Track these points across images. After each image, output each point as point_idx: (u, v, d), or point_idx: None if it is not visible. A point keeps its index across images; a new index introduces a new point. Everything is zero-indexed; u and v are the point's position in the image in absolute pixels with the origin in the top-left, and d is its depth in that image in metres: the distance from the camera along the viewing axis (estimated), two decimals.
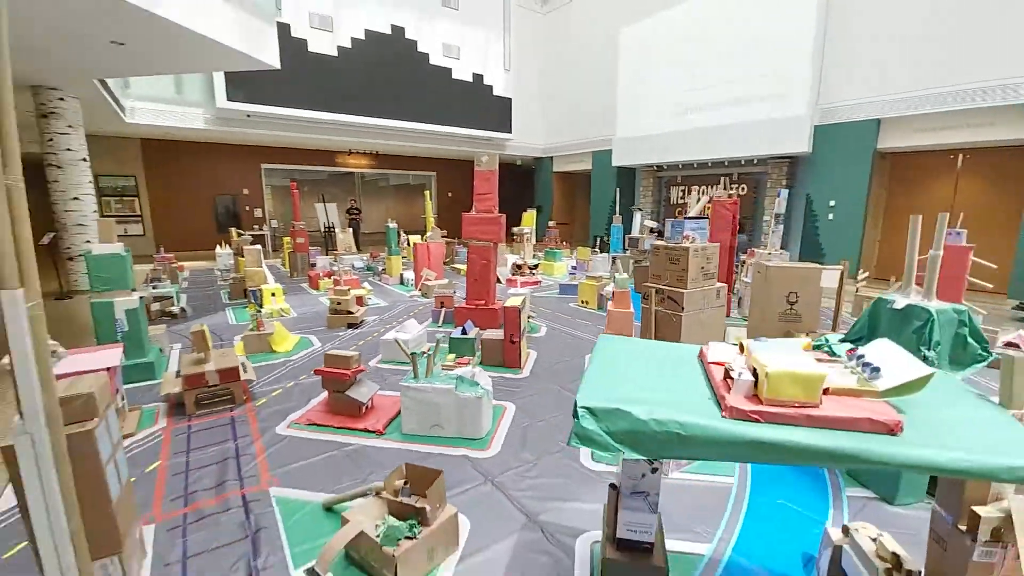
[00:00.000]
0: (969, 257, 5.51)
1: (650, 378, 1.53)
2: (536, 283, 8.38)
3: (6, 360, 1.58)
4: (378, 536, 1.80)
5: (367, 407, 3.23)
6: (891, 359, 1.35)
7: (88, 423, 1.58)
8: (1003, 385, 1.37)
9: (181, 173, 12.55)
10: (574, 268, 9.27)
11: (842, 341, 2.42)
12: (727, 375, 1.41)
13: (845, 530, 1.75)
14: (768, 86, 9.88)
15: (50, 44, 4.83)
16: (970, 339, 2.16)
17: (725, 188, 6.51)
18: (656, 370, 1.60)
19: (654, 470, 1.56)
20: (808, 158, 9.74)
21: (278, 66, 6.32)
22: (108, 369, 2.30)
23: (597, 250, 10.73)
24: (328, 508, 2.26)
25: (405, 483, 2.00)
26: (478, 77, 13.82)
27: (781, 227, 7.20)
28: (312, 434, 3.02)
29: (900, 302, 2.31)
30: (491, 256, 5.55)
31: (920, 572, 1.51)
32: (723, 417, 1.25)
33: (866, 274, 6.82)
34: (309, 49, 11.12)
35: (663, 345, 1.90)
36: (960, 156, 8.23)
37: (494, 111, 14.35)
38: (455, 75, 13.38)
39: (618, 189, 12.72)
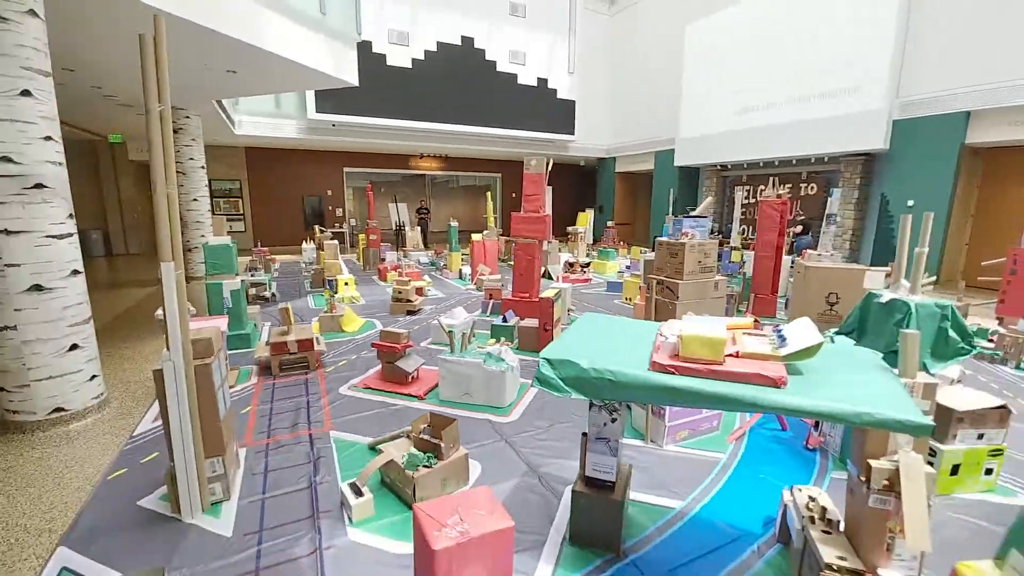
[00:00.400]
0: None
1: (607, 343, 1.89)
2: (587, 280, 8.67)
3: (159, 312, 2.28)
4: (403, 462, 2.31)
5: (413, 376, 3.80)
6: (801, 333, 1.62)
7: (207, 359, 2.23)
8: (900, 357, 1.57)
9: (276, 177, 14.24)
10: (627, 267, 9.42)
11: (837, 334, 2.61)
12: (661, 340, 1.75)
13: (792, 491, 2.00)
14: (839, 80, 9.39)
15: (183, 76, 5.96)
16: (952, 333, 2.25)
17: (773, 188, 6.39)
18: (617, 339, 1.96)
19: (614, 420, 1.92)
20: (885, 155, 9.13)
21: (356, 83, 7.16)
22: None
23: (650, 250, 10.75)
24: (372, 448, 2.83)
25: (427, 426, 2.50)
26: (542, 81, 14.27)
27: (832, 228, 6.91)
28: (366, 395, 3.64)
29: (886, 296, 2.43)
30: (536, 252, 5.97)
31: (839, 521, 1.75)
32: (648, 370, 1.60)
33: (932, 278, 6.40)
34: (387, 63, 12.19)
35: (634, 322, 2.24)
36: None
37: (558, 114, 14.73)
38: (520, 80, 13.93)
39: (671, 190, 12.55)
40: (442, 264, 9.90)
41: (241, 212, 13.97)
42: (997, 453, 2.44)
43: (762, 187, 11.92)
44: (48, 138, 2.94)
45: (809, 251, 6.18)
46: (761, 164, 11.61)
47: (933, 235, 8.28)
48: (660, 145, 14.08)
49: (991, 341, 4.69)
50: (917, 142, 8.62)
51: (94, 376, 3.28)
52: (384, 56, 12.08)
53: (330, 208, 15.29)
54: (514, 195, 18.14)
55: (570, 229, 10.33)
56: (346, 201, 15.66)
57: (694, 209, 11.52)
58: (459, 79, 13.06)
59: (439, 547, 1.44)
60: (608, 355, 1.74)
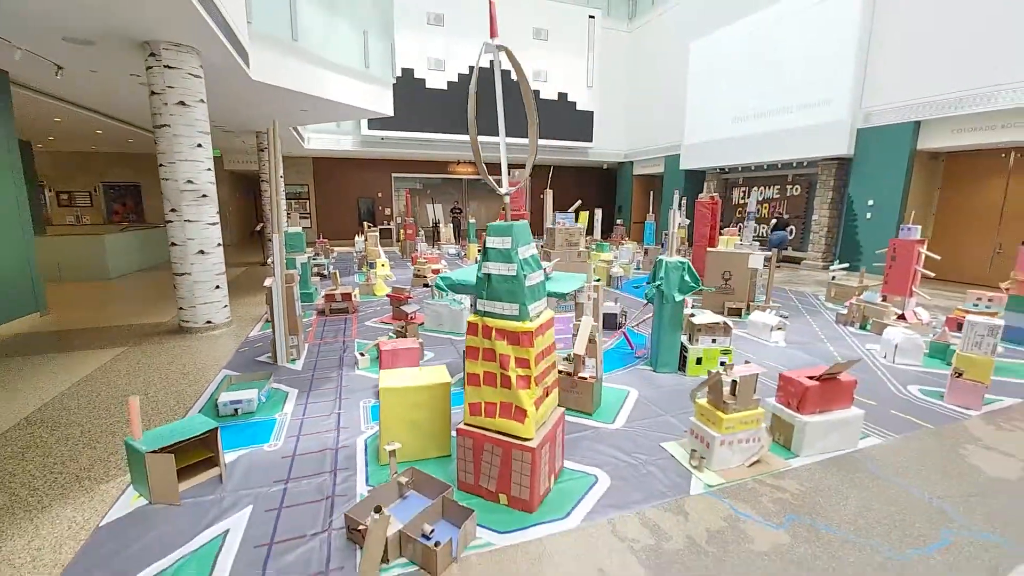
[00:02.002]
0: (918, 249, 6.32)
1: (471, 273, 3.82)
2: None
3: (268, 280, 4.43)
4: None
5: (411, 316, 5.86)
6: (570, 281, 3.45)
7: (291, 284, 4.37)
8: (654, 272, 3.37)
9: (336, 182, 16.98)
10: (615, 257, 11.06)
11: (647, 283, 4.37)
12: None
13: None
14: (814, 93, 10.53)
15: (272, 114, 8.41)
16: (687, 277, 3.96)
17: (707, 192, 7.86)
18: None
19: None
20: (852, 160, 10.19)
21: (392, 114, 9.38)
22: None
23: (634, 243, 12.25)
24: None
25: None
26: (563, 95, 16.05)
27: (751, 223, 8.23)
28: (381, 324, 5.75)
29: (661, 257, 4.14)
30: None
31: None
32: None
33: (844, 265, 7.65)
34: (427, 86, 14.48)
35: None
36: (1012, 155, 8.45)
37: (577, 123, 16.45)
38: (543, 96, 15.80)
39: (676, 191, 13.90)
40: (463, 254, 11.98)
41: (308, 211, 16.83)
42: (728, 351, 4.11)
43: (756, 188, 13.12)
44: (208, 169, 5.26)
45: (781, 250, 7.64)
46: (752, 168, 12.79)
47: (888, 232, 9.23)
48: (669, 151, 15.45)
49: (846, 308, 6.07)
50: (877, 148, 9.67)
51: (226, 306, 5.60)
52: (424, 80, 14.38)
53: (380, 208, 17.87)
54: (541, 196, 19.97)
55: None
56: (394, 202, 18.19)
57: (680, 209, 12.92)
58: (488, 96, 15.10)
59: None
60: (466, 275, 3.66)
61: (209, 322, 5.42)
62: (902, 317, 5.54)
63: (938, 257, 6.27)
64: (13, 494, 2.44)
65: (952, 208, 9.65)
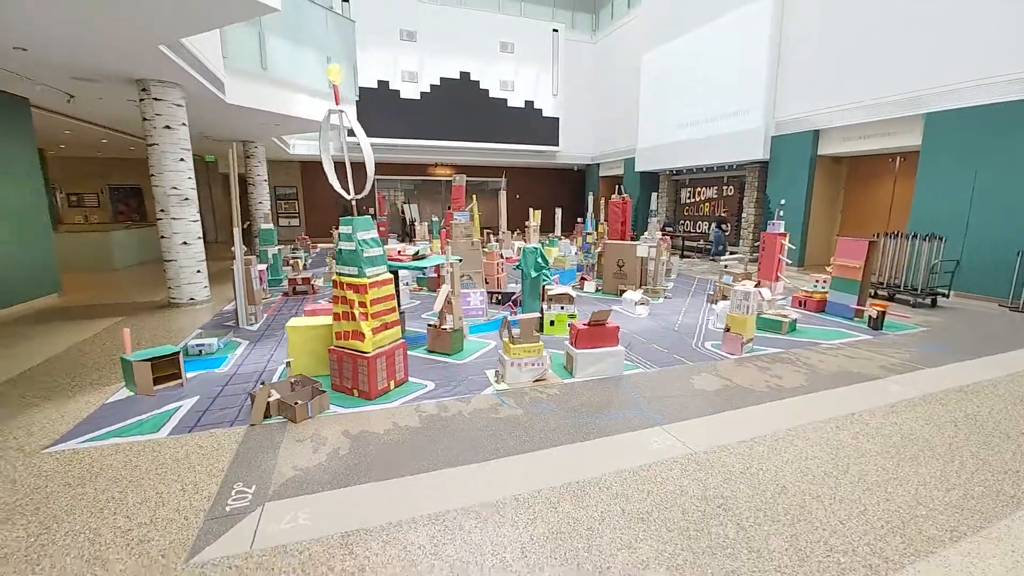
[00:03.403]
0: (780, 241, 7.60)
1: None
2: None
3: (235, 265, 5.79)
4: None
5: None
6: (436, 259, 4.78)
7: (249, 265, 5.74)
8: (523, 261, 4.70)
9: (321, 183, 18.34)
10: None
11: (515, 268, 5.71)
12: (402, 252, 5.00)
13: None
14: (736, 103, 11.81)
15: (251, 128, 9.78)
16: (539, 259, 5.29)
17: (619, 192, 9.16)
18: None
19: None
20: (769, 164, 11.47)
21: (357, 126, 10.71)
22: (261, 272, 6.61)
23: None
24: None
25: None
26: (529, 103, 17.38)
27: (654, 219, 9.52)
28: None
29: (523, 245, 5.47)
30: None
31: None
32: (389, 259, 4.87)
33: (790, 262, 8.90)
34: (401, 96, 15.85)
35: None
36: (897, 160, 9.75)
37: (544, 129, 17.77)
38: (510, 103, 17.14)
39: (623, 192, 15.19)
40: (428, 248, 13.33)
41: (297, 211, 18.25)
42: (573, 316, 5.43)
43: (699, 188, 14.40)
44: (189, 177, 6.64)
45: (725, 254, 8.94)
46: (694, 170, 14.07)
47: (795, 228, 10.44)
48: (627, 154, 16.74)
49: (711, 293, 7.36)
50: (786, 154, 10.94)
51: (206, 286, 6.99)
52: (399, 91, 15.75)
53: (364, 208, 19.24)
54: (517, 196, 21.32)
55: (526, 223, 13.43)
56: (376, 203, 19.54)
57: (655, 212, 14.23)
58: (458, 105, 16.49)
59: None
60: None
61: (192, 299, 6.81)
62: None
63: (793, 247, 7.55)
64: (53, 390, 3.82)
65: (854, 205, 10.92)
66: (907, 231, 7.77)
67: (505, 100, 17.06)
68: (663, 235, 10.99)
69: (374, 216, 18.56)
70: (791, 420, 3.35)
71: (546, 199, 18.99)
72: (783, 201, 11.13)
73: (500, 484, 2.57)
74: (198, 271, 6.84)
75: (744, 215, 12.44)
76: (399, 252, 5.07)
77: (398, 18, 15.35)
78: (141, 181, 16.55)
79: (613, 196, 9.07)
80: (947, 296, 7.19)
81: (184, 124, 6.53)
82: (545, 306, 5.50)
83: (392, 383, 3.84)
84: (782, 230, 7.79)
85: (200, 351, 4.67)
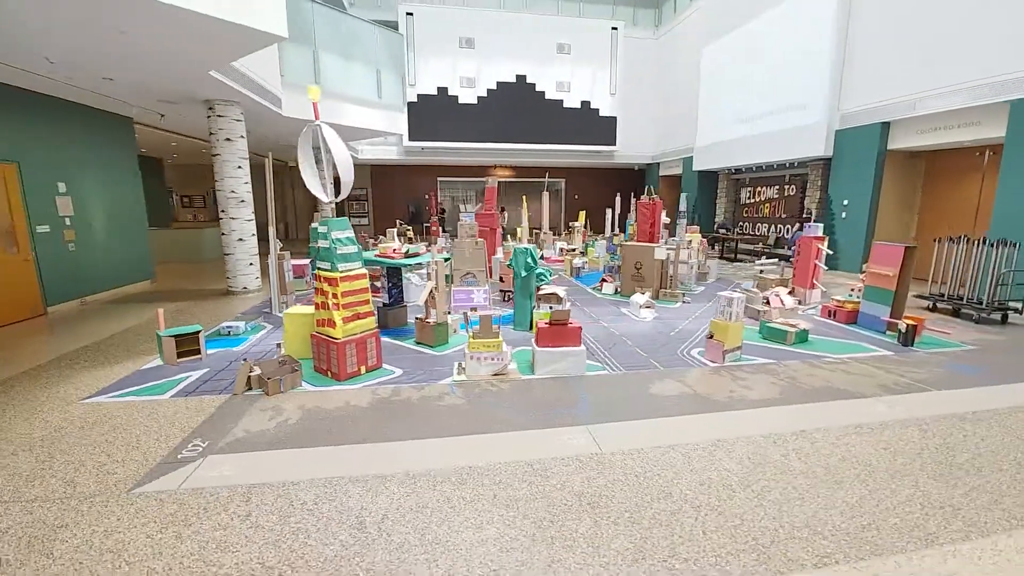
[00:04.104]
0: (817, 245, 7.13)
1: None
2: (560, 261, 11.81)
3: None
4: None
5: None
6: (423, 258, 5.16)
7: (282, 259, 6.52)
8: (515, 262, 5.02)
9: (389, 185, 19.71)
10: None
11: (507, 265, 5.95)
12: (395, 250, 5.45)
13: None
14: (797, 96, 10.91)
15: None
16: (529, 259, 5.44)
17: (648, 194, 8.88)
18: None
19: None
20: (832, 161, 10.47)
21: (406, 133, 11.49)
22: (295, 266, 7.45)
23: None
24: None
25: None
26: (586, 103, 17.28)
27: (683, 221, 8.98)
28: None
29: (515, 245, 5.64)
30: (489, 237, 9.57)
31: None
32: (375, 256, 5.34)
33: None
34: (459, 101, 16.56)
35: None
36: (986, 154, 8.66)
37: (601, 129, 17.57)
38: (566, 104, 17.16)
39: (683, 194, 14.59)
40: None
41: (366, 211, 19.76)
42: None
43: (759, 188, 13.49)
44: (245, 183, 7.65)
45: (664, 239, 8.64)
46: (753, 168, 13.17)
47: (859, 231, 9.43)
48: (686, 152, 16.04)
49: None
50: (850, 149, 9.93)
51: (257, 277, 8.01)
52: (457, 97, 16.46)
53: (427, 208, 20.31)
54: (576, 196, 21.27)
55: (572, 224, 13.42)
56: (438, 203, 20.55)
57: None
58: (514, 108, 16.86)
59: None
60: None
61: (245, 288, 7.84)
62: (768, 302, 6.41)
63: (830, 252, 6.94)
64: (111, 355, 4.74)
65: (935, 206, 9.65)
66: (988, 235, 6.79)
67: (561, 101, 17.11)
68: (705, 237, 10.45)
69: (440, 216, 19.59)
70: (726, 432, 3.25)
71: (606, 199, 18.74)
72: (845, 202, 10.15)
73: (398, 460, 2.85)
74: (250, 264, 7.86)
75: (805, 216, 11.44)
76: (393, 251, 5.51)
77: (457, 27, 16.05)
78: None
79: (642, 197, 8.87)
80: (1021, 312, 6.20)
81: (242, 136, 7.54)
82: (534, 305, 5.65)
83: (363, 368, 4.26)
84: (820, 233, 7.21)
85: (229, 331, 5.46)
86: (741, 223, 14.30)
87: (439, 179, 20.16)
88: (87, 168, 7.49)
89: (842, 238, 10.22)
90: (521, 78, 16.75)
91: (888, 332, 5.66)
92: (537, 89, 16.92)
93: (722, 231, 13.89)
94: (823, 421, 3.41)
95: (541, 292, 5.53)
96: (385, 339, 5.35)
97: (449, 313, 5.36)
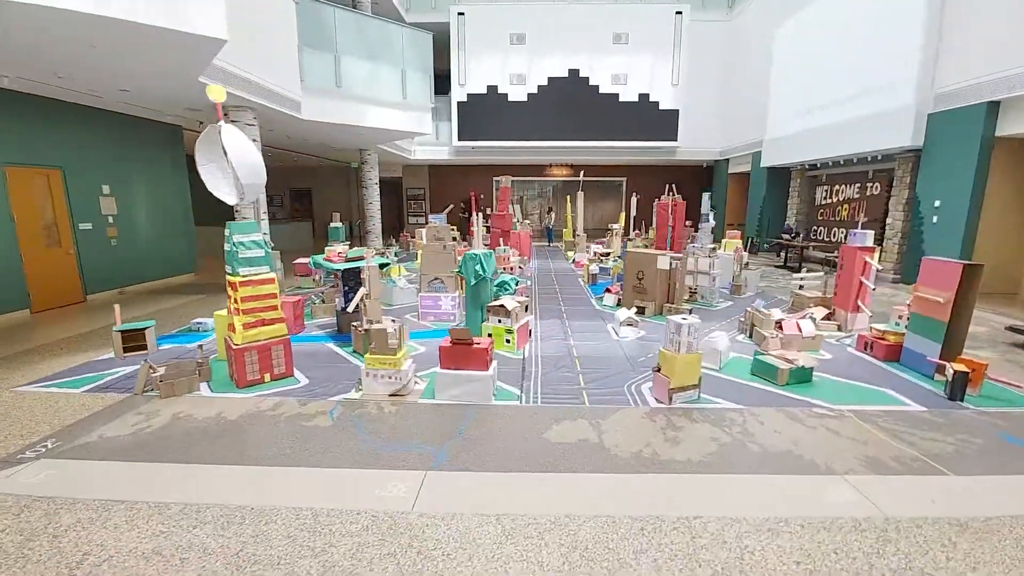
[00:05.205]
0: (864, 258, 5.88)
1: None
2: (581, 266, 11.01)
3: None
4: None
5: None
6: (360, 261, 4.96)
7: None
8: (466, 268, 4.76)
9: (446, 184, 20.00)
10: None
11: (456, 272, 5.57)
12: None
13: None
14: (881, 76, 9.04)
15: (363, 143, 11.30)
16: (478, 268, 4.98)
17: (670, 192, 7.77)
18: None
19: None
20: (923, 152, 8.51)
21: (431, 132, 11.46)
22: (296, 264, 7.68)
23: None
24: None
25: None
26: (644, 96, 16.04)
27: (708, 224, 7.60)
28: None
29: (466, 252, 5.20)
30: (506, 240, 9.17)
31: None
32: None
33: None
34: (509, 99, 16.27)
35: None
36: None
37: (660, 123, 16.22)
38: (621, 98, 16.08)
39: (708, 190, 12.87)
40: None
41: (424, 210, 20.29)
42: (510, 331, 5.00)
43: (837, 186, 11.53)
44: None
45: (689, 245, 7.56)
46: (830, 164, 11.22)
47: (953, 234, 7.56)
48: (756, 147, 14.19)
49: (741, 320, 5.87)
50: (946, 137, 7.98)
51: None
52: (507, 95, 16.18)
53: (481, 207, 20.34)
54: (636, 196, 19.91)
55: (610, 225, 12.49)
56: (495, 202, 20.47)
57: (714, 208, 12.01)
58: (566, 104, 16.17)
59: None
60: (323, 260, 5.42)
61: None
62: (780, 327, 5.28)
63: (880, 267, 5.57)
64: (92, 343, 5.18)
65: None
66: None
67: (616, 95, 16.06)
68: (758, 242, 9.05)
69: (468, 216, 19.53)
70: (583, 505, 2.56)
71: (651, 200, 17.30)
72: (937, 203, 8.20)
73: (209, 489, 2.63)
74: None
75: (889, 220, 9.50)
76: (337, 254, 5.37)
77: (509, 23, 15.73)
78: (311, 185, 20.47)
79: (662, 197, 7.88)
80: None
81: (255, 140, 7.95)
82: (484, 318, 5.19)
83: (268, 376, 4.16)
84: (868, 243, 5.85)
85: (198, 327, 5.73)
86: (815, 227, 12.29)
87: (495, 178, 20.04)
88: (133, 172, 8.40)
89: (930, 248, 8.26)
90: (574, 72, 16.00)
91: (937, 377, 4.35)
92: (591, 83, 16.06)
93: (785, 236, 12.04)
94: (733, 506, 2.55)
95: (492, 304, 5.06)
96: (329, 345, 5.26)
97: (395, 321, 5.11)
